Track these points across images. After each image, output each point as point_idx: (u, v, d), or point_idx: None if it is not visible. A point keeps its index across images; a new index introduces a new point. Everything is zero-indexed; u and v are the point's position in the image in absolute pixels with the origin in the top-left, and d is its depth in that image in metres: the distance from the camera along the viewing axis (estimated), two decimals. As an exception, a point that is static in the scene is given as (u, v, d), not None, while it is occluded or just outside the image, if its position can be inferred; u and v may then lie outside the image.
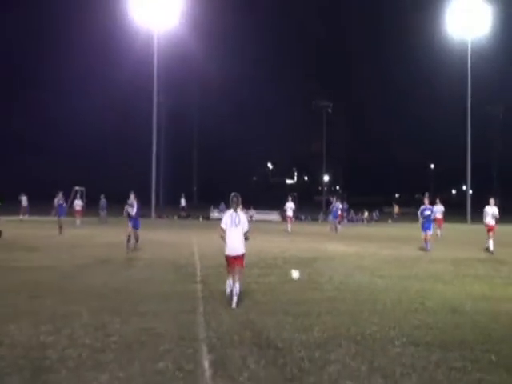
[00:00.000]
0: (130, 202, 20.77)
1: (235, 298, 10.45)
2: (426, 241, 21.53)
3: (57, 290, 12.06)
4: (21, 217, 45.97)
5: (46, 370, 6.58)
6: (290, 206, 35.52)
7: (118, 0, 54.99)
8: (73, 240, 25.23)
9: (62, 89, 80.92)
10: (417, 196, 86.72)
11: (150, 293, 11.83)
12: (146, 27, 54.12)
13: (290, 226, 34.36)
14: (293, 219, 36.04)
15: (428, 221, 21.21)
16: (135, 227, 20.91)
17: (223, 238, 10.94)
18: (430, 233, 21.63)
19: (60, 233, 27.67)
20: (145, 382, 6.28)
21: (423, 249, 21.56)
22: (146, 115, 56.74)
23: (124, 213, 21.14)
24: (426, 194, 22.26)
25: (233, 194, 11.47)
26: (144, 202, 54.60)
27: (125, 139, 76.07)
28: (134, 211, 20.66)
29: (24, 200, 48.57)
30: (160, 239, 27.03)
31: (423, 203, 21.78)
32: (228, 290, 10.79)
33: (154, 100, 55.24)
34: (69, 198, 46.85)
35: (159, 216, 55.73)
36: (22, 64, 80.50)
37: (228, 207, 11.49)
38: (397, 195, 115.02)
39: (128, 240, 20.52)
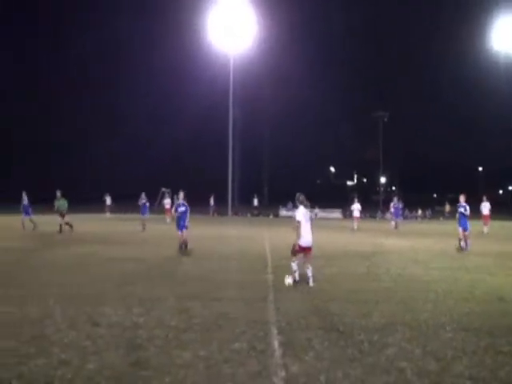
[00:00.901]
0: (179, 201, 18.14)
1: (311, 279, 11.19)
2: (463, 238, 19.81)
3: (145, 278, 12.30)
4: (107, 215, 47.13)
5: (137, 348, 6.72)
6: (356, 207, 34.63)
7: (199, 25, 55.64)
8: (156, 235, 25.65)
9: (150, 101, 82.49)
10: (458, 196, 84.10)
11: (226, 281, 11.92)
12: (224, 49, 54.74)
13: (356, 225, 33.59)
14: (359, 219, 35.13)
15: (463, 218, 19.95)
16: (182, 228, 17.86)
17: (298, 229, 11.27)
18: (465, 231, 19.66)
19: (143, 229, 27.90)
20: (223, 360, 6.31)
21: (460, 247, 19.77)
22: (222, 126, 57.29)
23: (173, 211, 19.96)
24: (462, 194, 21.13)
25: (299, 194, 11.64)
26: (222, 202, 55.53)
27: (204, 147, 77.19)
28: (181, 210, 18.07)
29: (108, 199, 49.92)
30: (235, 234, 27.24)
31: (459, 201, 20.76)
32: (296, 269, 11.34)
33: (229, 113, 55.80)
34: (157, 198, 47.77)
35: (235, 213, 56.23)
36: (117, 81, 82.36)
37: (295, 206, 11.78)
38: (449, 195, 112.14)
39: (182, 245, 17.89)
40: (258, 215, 56.19)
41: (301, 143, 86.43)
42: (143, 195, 29.51)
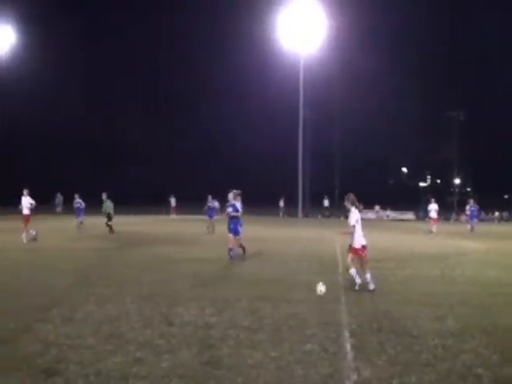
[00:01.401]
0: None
1: (372, 282, 10.77)
2: None
3: (217, 279, 12.44)
4: (171, 216, 47.72)
5: (210, 347, 6.78)
6: (433, 208, 33.18)
7: (268, 25, 55.74)
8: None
9: (218, 101, 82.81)
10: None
11: (296, 282, 11.88)
12: (294, 49, 54.64)
13: (434, 227, 31.96)
14: (437, 220, 33.51)
15: None
16: (234, 232, 16.23)
17: (352, 234, 10.94)
18: None
19: (209, 232, 27.51)
20: (294, 361, 6.28)
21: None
22: (293, 127, 57.16)
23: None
24: None
25: (349, 194, 11.31)
26: (292, 203, 55.42)
27: (274, 148, 77.13)
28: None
29: (173, 201, 50.63)
30: (305, 236, 27.14)
31: None
32: (357, 276, 10.86)
33: (299, 114, 55.62)
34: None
35: (305, 215, 55.95)
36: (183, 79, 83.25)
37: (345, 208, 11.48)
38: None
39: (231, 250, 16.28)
40: (328, 216, 55.75)
41: (372, 144, 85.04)
42: (210, 198, 29.19)
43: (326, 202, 58.67)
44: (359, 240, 10.87)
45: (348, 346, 6.83)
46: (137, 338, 7.21)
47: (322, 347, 6.77)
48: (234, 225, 16.13)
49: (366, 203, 37.81)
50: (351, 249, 10.95)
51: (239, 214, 16.32)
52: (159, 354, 6.51)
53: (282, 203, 54.43)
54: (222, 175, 68.01)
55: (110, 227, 26.68)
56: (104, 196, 27.65)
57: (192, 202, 44.91)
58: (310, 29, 53.04)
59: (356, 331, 7.58)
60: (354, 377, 5.75)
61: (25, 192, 20.85)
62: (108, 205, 27.35)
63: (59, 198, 51.48)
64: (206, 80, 78.69)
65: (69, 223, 30.52)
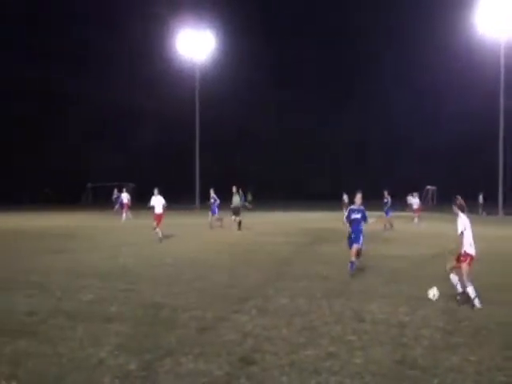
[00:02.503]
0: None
1: (477, 299, 8.86)
2: None
3: (410, 276, 12.02)
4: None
5: (403, 346, 6.56)
6: None
7: (469, 17, 52.58)
8: (417, 234, 24.85)
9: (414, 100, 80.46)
10: None
11: (504, 284, 11.04)
12: (493, 36, 50.86)
13: None
14: None
15: None
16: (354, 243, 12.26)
17: (460, 242, 9.25)
18: None
19: (389, 228, 26.25)
20: (495, 367, 5.82)
21: None
22: (490, 115, 53.04)
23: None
24: None
25: (456, 197, 9.60)
26: (492, 199, 51.37)
27: (473, 144, 72.62)
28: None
29: (345, 197, 48.75)
30: (507, 235, 25.21)
31: None
32: (457, 281, 9.27)
33: (500, 101, 51.47)
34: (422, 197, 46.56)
35: (507, 213, 51.31)
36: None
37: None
38: None
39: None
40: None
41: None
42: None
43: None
44: (466, 247, 9.19)
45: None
46: (329, 332, 7.21)
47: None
48: (355, 234, 12.35)
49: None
50: (459, 257, 9.28)
51: (369, 222, 12.84)
52: (351, 349, 6.45)
53: (481, 199, 50.73)
54: (414, 173, 66.08)
55: (239, 223, 25.97)
56: (234, 189, 27.00)
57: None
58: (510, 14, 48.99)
59: None
60: None
61: (155, 191, 20.98)
62: (237, 199, 26.74)
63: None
64: (398, 77, 77.01)
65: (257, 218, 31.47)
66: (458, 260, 9.22)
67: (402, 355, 6.20)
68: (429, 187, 50.31)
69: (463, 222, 9.26)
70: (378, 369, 5.74)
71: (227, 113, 69.21)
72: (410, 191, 34.31)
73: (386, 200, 27.43)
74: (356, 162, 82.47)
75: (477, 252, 9.20)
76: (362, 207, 12.52)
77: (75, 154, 67.22)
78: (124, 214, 33.40)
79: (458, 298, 9.18)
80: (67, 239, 20.39)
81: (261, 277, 11.63)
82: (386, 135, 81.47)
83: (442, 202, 48.45)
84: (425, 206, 41.88)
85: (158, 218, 20.23)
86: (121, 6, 67.53)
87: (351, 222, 12.43)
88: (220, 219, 27.32)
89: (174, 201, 30.63)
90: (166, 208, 20.73)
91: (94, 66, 70.39)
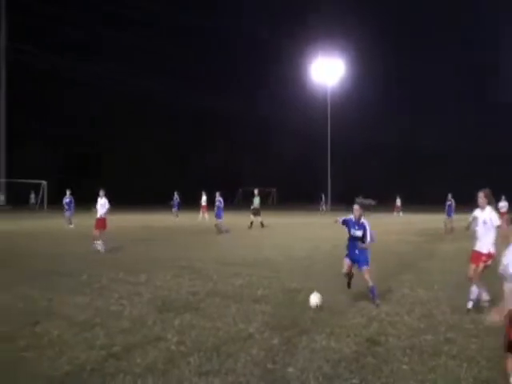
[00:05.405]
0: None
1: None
2: None
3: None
4: (398, 214, 42.74)
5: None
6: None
7: None
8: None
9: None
10: None
11: None
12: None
13: None
14: None
15: None
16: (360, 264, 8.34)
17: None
18: None
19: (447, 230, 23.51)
20: None
21: None
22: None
23: None
24: None
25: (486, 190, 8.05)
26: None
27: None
28: None
29: (398, 201, 44.67)
30: None
31: None
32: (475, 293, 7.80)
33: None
34: None
35: None
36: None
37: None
38: None
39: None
40: None
41: None
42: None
43: None
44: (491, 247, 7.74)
45: None
46: (447, 320, 7.10)
47: None
48: (360, 252, 8.34)
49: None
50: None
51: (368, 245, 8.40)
52: (468, 336, 6.31)
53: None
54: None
55: (261, 223, 25.02)
56: (256, 191, 26.06)
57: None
58: None
59: None
60: None
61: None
62: (256, 201, 25.52)
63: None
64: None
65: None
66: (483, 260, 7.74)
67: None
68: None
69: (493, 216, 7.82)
70: (493, 355, 5.59)
71: (355, 130, 68.19)
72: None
73: (449, 202, 25.19)
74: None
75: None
76: (362, 220, 8.34)
77: (229, 162, 70.36)
78: (202, 215, 32.71)
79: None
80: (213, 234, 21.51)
81: (384, 270, 11.56)
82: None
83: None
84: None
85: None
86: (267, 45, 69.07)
87: (350, 238, 8.45)
88: (217, 224, 22.57)
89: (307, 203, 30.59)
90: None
91: (244, 89, 72.66)
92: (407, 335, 6.37)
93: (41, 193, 49.13)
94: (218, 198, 22.93)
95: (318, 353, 5.69)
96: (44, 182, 48.55)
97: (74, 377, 4.97)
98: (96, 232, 15.12)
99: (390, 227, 25.92)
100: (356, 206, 8.34)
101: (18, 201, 48.66)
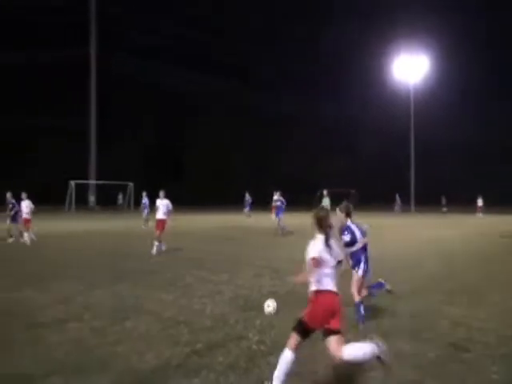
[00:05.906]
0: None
1: None
2: None
3: None
4: (479, 215, 41.59)
5: None
6: None
7: None
8: None
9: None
10: None
11: None
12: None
13: None
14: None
15: None
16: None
17: None
18: None
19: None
20: None
21: None
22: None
23: None
24: None
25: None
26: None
27: None
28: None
29: (480, 201, 43.16)
30: None
31: None
32: None
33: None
34: None
35: None
36: None
37: None
38: None
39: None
40: None
41: None
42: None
43: None
44: None
45: None
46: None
47: None
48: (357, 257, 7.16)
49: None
50: None
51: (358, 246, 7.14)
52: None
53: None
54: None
55: None
56: (324, 192, 25.52)
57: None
58: None
59: None
60: None
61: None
62: (325, 202, 24.81)
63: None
64: None
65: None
66: None
67: None
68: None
69: None
70: None
71: (440, 128, 65.37)
72: None
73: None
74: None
75: None
76: (349, 224, 7.17)
77: (309, 163, 70.04)
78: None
79: None
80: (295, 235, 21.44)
81: (474, 274, 11.05)
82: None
83: None
84: None
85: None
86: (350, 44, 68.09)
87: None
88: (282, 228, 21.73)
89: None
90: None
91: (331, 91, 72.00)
92: (496, 343, 6.04)
93: (128, 194, 51.19)
94: (279, 198, 22.55)
95: (403, 357, 5.52)
96: (131, 184, 50.53)
97: (160, 372, 5.14)
98: (157, 233, 15.08)
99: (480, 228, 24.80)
100: (338, 212, 7.25)
101: (107, 202, 50.94)
